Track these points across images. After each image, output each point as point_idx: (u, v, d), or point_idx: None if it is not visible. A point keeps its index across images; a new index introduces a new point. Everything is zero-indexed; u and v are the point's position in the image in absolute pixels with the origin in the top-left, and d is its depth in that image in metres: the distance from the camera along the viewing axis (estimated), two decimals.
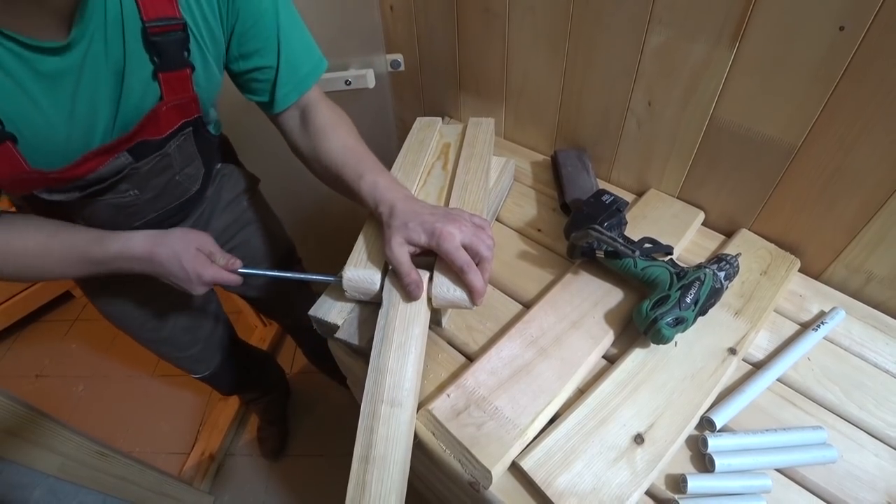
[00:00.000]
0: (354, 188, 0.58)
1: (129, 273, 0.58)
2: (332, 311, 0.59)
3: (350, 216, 1.20)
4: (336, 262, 0.60)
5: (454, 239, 0.51)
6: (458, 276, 0.53)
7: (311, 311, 0.60)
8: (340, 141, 0.62)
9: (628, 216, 0.69)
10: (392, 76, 1.04)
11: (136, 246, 0.56)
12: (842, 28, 0.49)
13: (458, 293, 0.53)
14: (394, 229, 0.52)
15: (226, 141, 0.84)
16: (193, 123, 0.59)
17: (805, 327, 0.61)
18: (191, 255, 0.57)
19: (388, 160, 0.70)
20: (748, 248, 0.68)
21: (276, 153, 0.94)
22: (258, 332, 1.63)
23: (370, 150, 0.63)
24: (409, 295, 0.53)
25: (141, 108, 0.52)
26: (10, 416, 0.76)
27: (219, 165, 0.78)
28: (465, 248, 0.51)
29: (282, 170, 1.01)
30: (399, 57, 0.99)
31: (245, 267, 0.63)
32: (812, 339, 0.58)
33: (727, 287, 0.59)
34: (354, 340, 0.56)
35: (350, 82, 0.96)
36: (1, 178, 0.45)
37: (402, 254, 0.52)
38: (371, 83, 0.97)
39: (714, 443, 0.49)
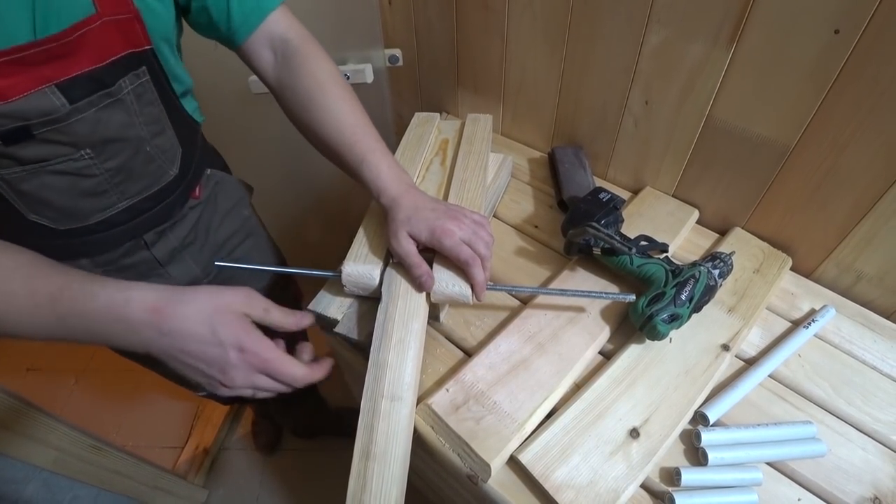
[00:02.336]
0: (355, 171, 0.56)
1: (122, 348, 0.42)
2: (332, 306, 0.60)
3: (338, 219, 1.20)
4: (318, 264, 0.59)
5: (454, 236, 0.51)
6: (460, 271, 0.53)
7: (311, 306, 0.60)
8: (335, 112, 0.57)
9: (624, 213, 0.70)
10: (390, 71, 1.03)
11: (137, 295, 0.39)
12: (837, 31, 0.50)
13: (457, 288, 0.53)
14: (399, 222, 0.52)
15: (214, 150, 0.76)
16: (147, 62, 0.50)
17: (796, 325, 0.62)
18: (231, 318, 0.42)
19: None
20: (742, 246, 0.69)
21: (264, 158, 0.92)
22: None
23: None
24: (421, 286, 0.53)
25: (66, 12, 0.41)
26: (3, 409, 0.76)
27: (209, 171, 0.70)
28: (465, 245, 0.52)
29: (269, 175, 1.00)
30: (397, 52, 0.99)
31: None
32: (803, 337, 0.59)
33: (721, 284, 0.60)
34: (353, 335, 0.57)
35: (348, 77, 0.96)
36: None
37: (409, 245, 0.52)
38: (369, 78, 0.97)
39: (707, 437, 0.50)
